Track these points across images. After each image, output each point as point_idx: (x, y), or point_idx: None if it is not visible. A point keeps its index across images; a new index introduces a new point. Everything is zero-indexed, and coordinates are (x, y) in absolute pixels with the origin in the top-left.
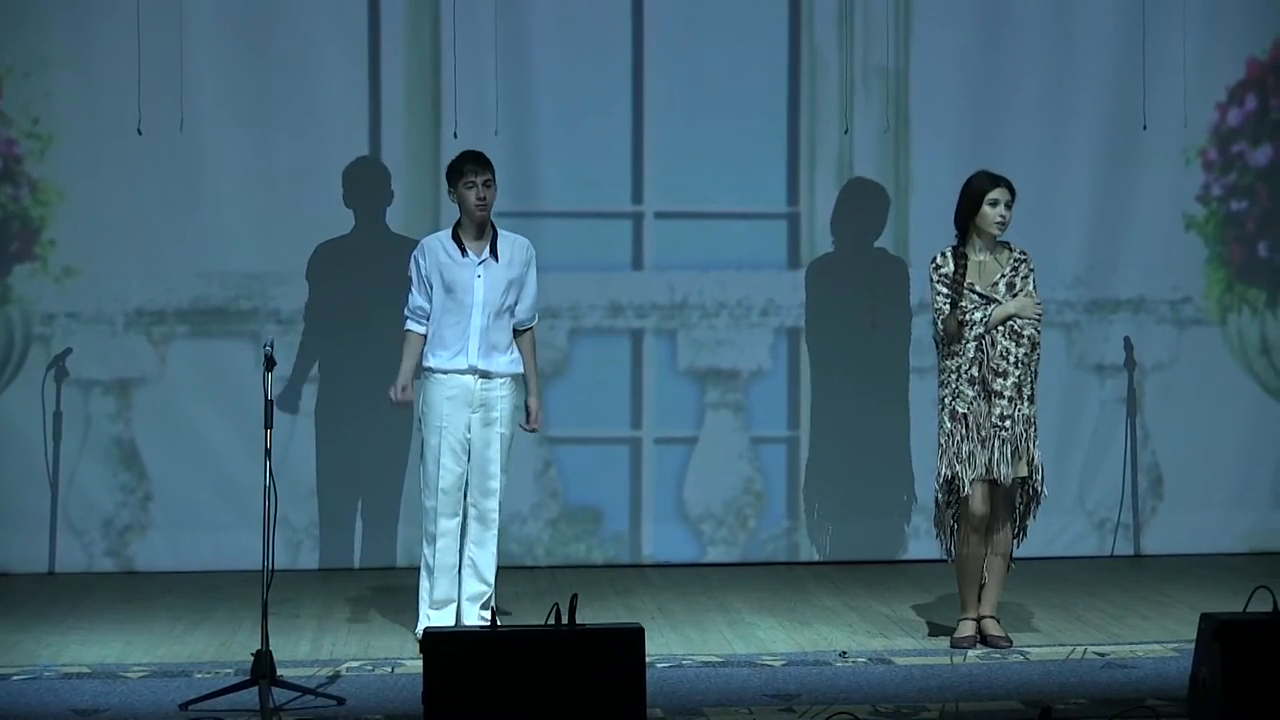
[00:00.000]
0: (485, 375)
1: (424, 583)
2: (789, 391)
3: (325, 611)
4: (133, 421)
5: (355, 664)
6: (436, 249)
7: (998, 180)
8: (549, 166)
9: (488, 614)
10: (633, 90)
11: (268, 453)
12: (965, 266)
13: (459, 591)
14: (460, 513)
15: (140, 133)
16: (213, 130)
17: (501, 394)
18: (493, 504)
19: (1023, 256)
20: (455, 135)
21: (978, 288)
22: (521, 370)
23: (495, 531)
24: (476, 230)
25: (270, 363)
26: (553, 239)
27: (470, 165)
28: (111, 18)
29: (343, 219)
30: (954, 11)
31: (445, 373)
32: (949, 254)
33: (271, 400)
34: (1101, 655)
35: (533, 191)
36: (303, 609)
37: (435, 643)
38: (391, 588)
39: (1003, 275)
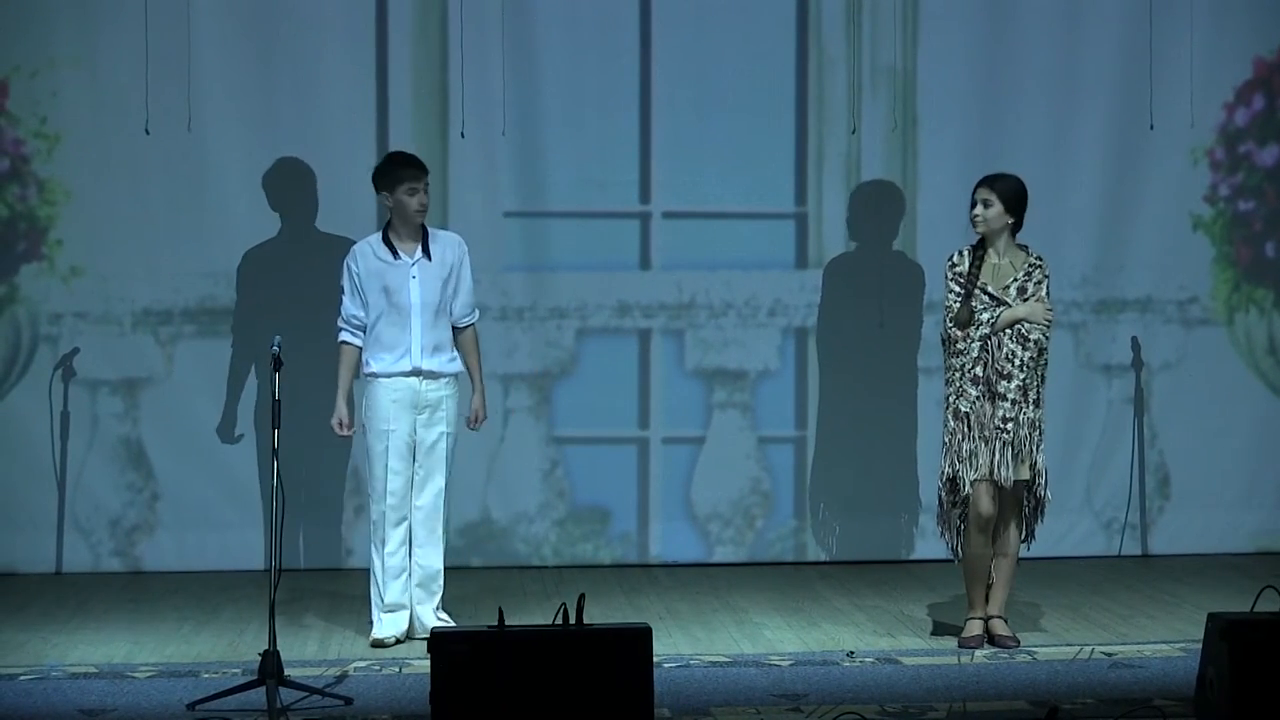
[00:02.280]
0: (429, 376)
1: (375, 589)
2: (796, 391)
3: (332, 611)
4: (140, 421)
5: (362, 664)
6: (368, 254)
7: (981, 180)
8: (556, 166)
9: (444, 615)
10: (640, 90)
11: (275, 452)
12: (980, 266)
13: (410, 596)
14: (408, 517)
15: (148, 132)
16: (220, 130)
17: (445, 393)
18: (439, 504)
19: (1038, 262)
20: (462, 135)
21: (989, 288)
22: (461, 369)
23: (441, 531)
24: (410, 232)
25: (278, 363)
26: (560, 239)
27: (412, 170)
28: (119, 17)
29: (349, 219)
30: (961, 12)
31: (389, 376)
32: (966, 252)
33: (279, 400)
34: (1109, 655)
35: (540, 191)
36: (310, 609)
37: (442, 643)
38: None
39: (1015, 279)
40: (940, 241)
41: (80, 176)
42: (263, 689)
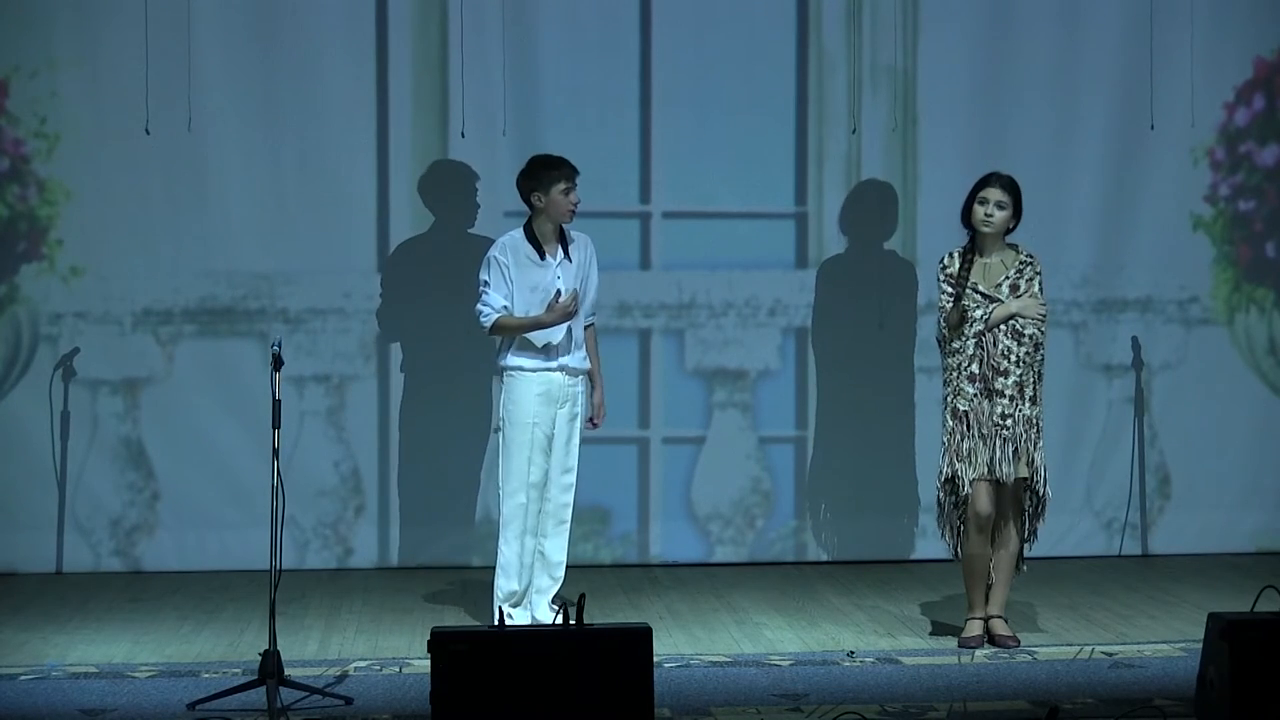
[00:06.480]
0: (570, 372)
1: (504, 582)
2: (796, 391)
3: (333, 611)
4: (140, 421)
5: (363, 663)
6: (519, 250)
7: (991, 179)
8: None
9: (558, 607)
10: (640, 90)
11: (275, 452)
12: (970, 266)
13: (529, 584)
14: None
15: (148, 132)
16: (220, 130)
17: (580, 389)
18: (569, 498)
19: (1029, 259)
20: (463, 135)
21: (981, 287)
22: (589, 366)
23: (569, 524)
24: (553, 232)
25: (278, 362)
26: None
27: (567, 169)
28: (119, 17)
29: (349, 218)
30: (961, 11)
31: (535, 371)
32: (956, 254)
33: (279, 400)
34: (1109, 655)
35: None
36: (310, 609)
37: (443, 642)
38: (398, 588)
39: (1007, 277)
40: (940, 241)
41: (80, 176)
42: (263, 689)
